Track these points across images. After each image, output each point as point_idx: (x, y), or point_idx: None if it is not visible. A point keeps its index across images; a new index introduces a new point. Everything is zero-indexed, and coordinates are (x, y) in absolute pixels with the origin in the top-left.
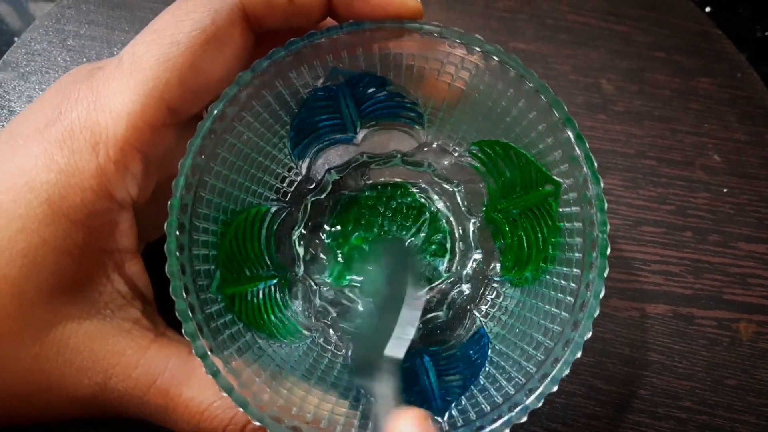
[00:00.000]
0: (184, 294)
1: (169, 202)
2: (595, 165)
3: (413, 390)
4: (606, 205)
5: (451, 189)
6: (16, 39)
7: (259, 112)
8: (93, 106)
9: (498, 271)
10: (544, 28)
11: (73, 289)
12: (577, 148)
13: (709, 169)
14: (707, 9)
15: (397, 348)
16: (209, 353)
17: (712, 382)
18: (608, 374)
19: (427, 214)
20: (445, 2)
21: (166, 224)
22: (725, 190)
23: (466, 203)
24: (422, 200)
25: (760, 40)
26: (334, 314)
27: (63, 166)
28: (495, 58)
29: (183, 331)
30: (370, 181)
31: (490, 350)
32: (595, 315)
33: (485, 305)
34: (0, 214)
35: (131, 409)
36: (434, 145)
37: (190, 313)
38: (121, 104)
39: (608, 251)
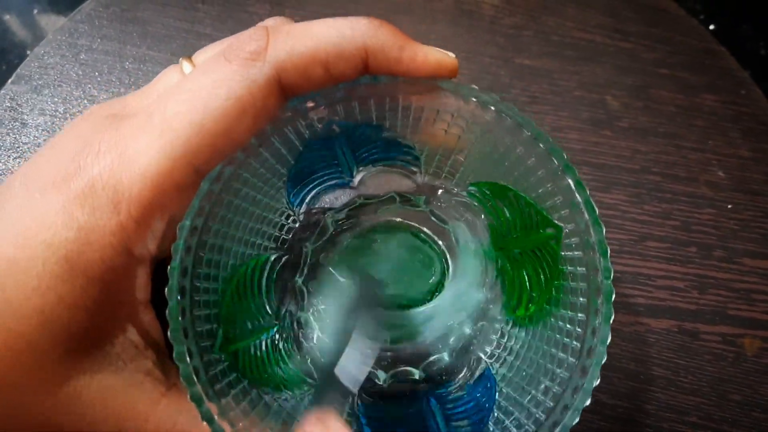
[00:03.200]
0: (188, 359)
1: (169, 267)
2: (596, 211)
3: None
4: (609, 251)
5: (448, 228)
6: (28, 52)
7: (256, 168)
8: (117, 162)
9: (501, 310)
10: (550, 44)
11: (87, 342)
12: (577, 195)
13: (714, 185)
14: (711, 26)
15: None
16: (216, 417)
17: (718, 398)
18: (613, 389)
19: (437, 262)
20: (451, 19)
21: (167, 289)
22: (730, 206)
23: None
24: (427, 244)
25: (763, 58)
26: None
27: (82, 223)
28: (491, 108)
29: (189, 396)
30: (369, 223)
31: (497, 394)
32: (603, 361)
33: (490, 346)
34: (17, 272)
35: None
36: (432, 186)
37: (194, 378)
38: (148, 165)
39: (613, 297)
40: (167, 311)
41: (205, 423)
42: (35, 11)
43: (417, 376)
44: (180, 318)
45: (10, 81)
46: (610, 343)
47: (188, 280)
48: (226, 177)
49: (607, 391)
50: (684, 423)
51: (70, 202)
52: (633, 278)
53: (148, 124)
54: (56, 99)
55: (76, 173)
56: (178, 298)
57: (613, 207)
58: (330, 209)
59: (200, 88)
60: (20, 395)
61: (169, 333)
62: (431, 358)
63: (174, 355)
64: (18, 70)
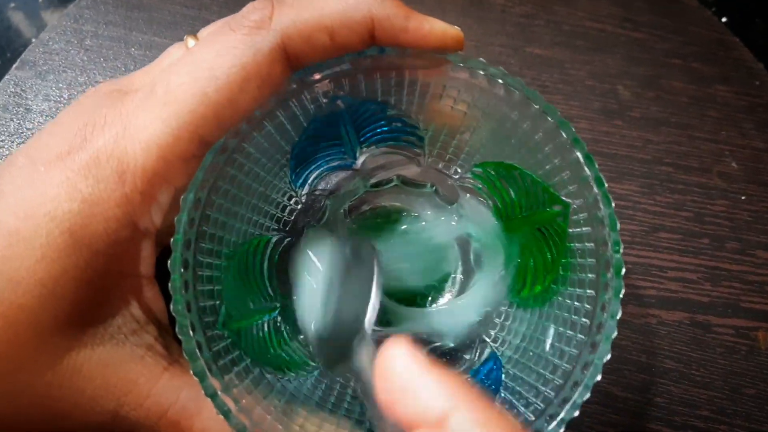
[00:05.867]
0: (191, 332)
1: (172, 239)
2: (605, 185)
3: None
4: (618, 225)
5: (452, 211)
6: (33, 40)
7: (260, 142)
8: (122, 134)
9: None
10: (561, 34)
11: (88, 315)
12: (586, 169)
13: (727, 176)
14: (723, 19)
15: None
16: (219, 392)
17: (731, 391)
18: (625, 381)
19: (448, 251)
20: (461, 8)
21: (169, 261)
22: (743, 197)
23: None
24: (433, 231)
25: None
26: None
27: (87, 195)
28: (499, 81)
29: (191, 370)
30: (369, 207)
31: (504, 375)
32: (613, 336)
33: (494, 329)
34: (19, 243)
35: None
36: (435, 168)
37: (198, 352)
38: (153, 135)
39: (623, 271)
40: (170, 284)
41: (208, 399)
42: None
43: None
44: (183, 291)
45: (14, 66)
46: (621, 335)
47: (191, 254)
48: (230, 149)
49: (618, 383)
50: (696, 417)
51: (74, 174)
52: (644, 269)
53: (152, 96)
54: (61, 85)
55: (80, 146)
56: (182, 270)
57: (624, 198)
58: (333, 193)
59: (204, 59)
60: (19, 368)
61: (171, 306)
62: (435, 344)
63: (177, 328)
64: (23, 55)
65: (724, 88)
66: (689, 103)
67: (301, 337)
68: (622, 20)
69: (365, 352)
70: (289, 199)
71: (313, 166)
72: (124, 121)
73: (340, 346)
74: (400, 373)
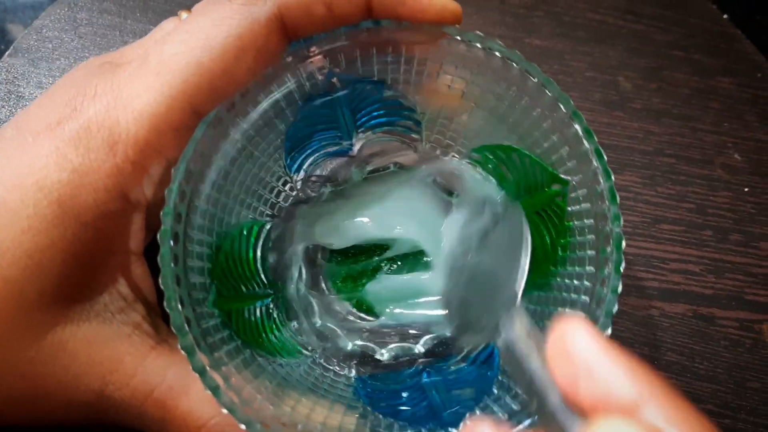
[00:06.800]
0: (179, 306)
1: (162, 211)
2: (605, 158)
3: (421, 405)
4: (618, 198)
5: (448, 198)
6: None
7: (255, 119)
8: (113, 104)
9: None
10: (561, 25)
11: (76, 291)
12: (585, 142)
13: (730, 167)
14: (724, 16)
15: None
16: (208, 368)
17: (735, 385)
18: None
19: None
20: None
21: (159, 233)
22: (746, 189)
23: None
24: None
25: None
26: (340, 332)
27: (77, 165)
28: (497, 54)
29: (179, 345)
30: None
31: (501, 360)
32: (614, 310)
33: None
34: (6, 213)
35: (128, 418)
36: (432, 155)
37: (186, 327)
38: (146, 104)
39: (623, 245)
40: (159, 257)
41: (195, 379)
42: None
43: (417, 351)
44: (172, 264)
45: (7, 54)
46: (623, 327)
47: (182, 228)
48: (224, 122)
49: None
50: (700, 410)
51: (64, 143)
52: (646, 261)
53: (145, 66)
54: (54, 72)
55: (70, 116)
56: (171, 243)
57: (625, 188)
58: (329, 180)
59: (199, 28)
60: (2, 343)
61: (160, 279)
62: (432, 334)
63: (165, 302)
64: (15, 42)
65: (726, 80)
66: (691, 94)
67: (294, 325)
68: (624, 12)
69: (519, 321)
70: (284, 184)
71: (309, 151)
72: (115, 91)
73: (483, 312)
74: (583, 352)
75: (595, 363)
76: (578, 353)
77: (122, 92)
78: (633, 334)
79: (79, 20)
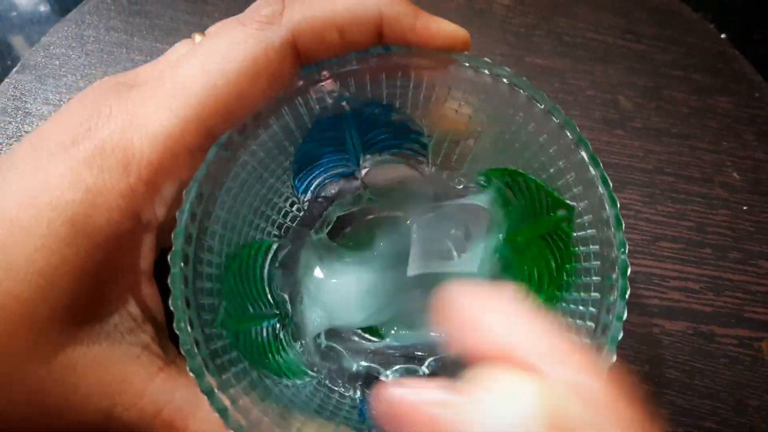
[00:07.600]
0: (189, 328)
1: (174, 232)
2: (611, 185)
3: None
4: (623, 225)
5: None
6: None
7: (265, 141)
8: (128, 125)
9: None
10: (562, 44)
11: (87, 310)
12: (591, 169)
13: (729, 186)
14: (722, 35)
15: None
16: (216, 390)
17: (735, 403)
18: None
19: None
20: (462, 16)
21: (170, 255)
22: (745, 207)
23: None
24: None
25: None
26: (345, 353)
27: (90, 185)
28: (504, 80)
29: (188, 367)
30: (372, 216)
31: None
32: (619, 338)
33: None
34: (19, 231)
35: None
36: (439, 179)
37: (195, 349)
38: (160, 126)
39: (628, 272)
40: (169, 279)
41: (203, 400)
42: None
43: (421, 372)
44: (183, 286)
45: (14, 70)
46: (623, 344)
47: (192, 249)
48: (235, 145)
49: None
50: (700, 428)
51: (78, 163)
52: (646, 278)
53: (160, 87)
54: (61, 89)
55: (85, 136)
56: (182, 265)
57: (625, 207)
58: (334, 202)
59: (214, 51)
60: (12, 362)
61: (170, 301)
62: (437, 356)
63: (174, 324)
64: (23, 59)
65: (724, 100)
66: (690, 113)
67: (299, 346)
68: (624, 32)
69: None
70: (291, 205)
71: (317, 172)
72: (130, 112)
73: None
74: (463, 309)
75: (478, 318)
76: (460, 310)
77: (137, 113)
78: (634, 351)
79: (86, 37)
